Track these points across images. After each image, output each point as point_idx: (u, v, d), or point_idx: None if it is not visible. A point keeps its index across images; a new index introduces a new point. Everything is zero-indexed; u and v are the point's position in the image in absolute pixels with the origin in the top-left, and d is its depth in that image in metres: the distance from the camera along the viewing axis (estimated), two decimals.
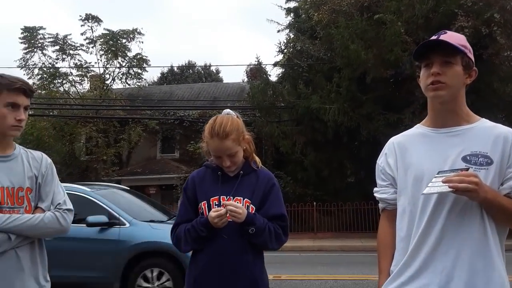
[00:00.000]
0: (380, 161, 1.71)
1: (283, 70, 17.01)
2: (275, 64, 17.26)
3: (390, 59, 11.84)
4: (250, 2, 68.66)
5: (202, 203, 1.93)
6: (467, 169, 1.41)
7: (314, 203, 14.53)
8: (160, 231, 5.61)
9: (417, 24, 12.37)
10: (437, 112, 1.57)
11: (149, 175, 18.36)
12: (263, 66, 16.27)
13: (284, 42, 16.65)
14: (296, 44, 15.04)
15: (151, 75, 57.11)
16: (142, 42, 20.66)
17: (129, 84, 21.71)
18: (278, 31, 17.57)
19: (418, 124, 1.68)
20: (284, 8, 17.69)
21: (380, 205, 1.72)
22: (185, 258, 5.30)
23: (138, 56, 21.01)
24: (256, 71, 20.77)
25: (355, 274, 7.52)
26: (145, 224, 5.83)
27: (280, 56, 16.88)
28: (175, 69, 39.52)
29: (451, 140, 1.52)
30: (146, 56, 21.21)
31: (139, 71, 21.46)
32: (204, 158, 2.09)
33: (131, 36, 20.63)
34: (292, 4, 17.72)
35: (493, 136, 1.49)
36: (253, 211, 1.89)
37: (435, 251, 1.44)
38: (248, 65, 20.04)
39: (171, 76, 38.70)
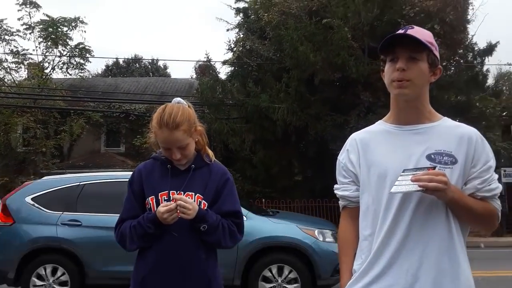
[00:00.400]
0: (342, 157, 1.65)
1: (232, 68, 17.03)
2: (224, 62, 17.22)
3: (337, 62, 12.19)
4: None
5: (149, 198, 1.81)
6: (434, 168, 1.38)
7: (263, 200, 14.74)
8: (281, 225, 5.39)
9: (363, 31, 12.84)
10: (401, 109, 1.54)
11: (92, 169, 17.68)
12: (213, 63, 16.21)
13: (233, 40, 16.72)
14: (245, 43, 15.12)
15: (95, 67, 54.91)
16: (85, 32, 19.78)
17: (70, 74, 20.76)
18: (228, 29, 17.54)
19: (380, 121, 1.64)
20: (234, 8, 17.74)
21: (341, 203, 1.66)
22: (312, 252, 5.17)
23: (81, 46, 20.09)
24: (205, 68, 20.60)
25: None
26: (264, 217, 5.57)
27: (230, 54, 16.90)
28: (121, 62, 38.32)
29: (415, 138, 1.50)
30: (89, 46, 20.36)
31: (82, 61, 20.54)
32: (154, 152, 1.98)
33: (73, 24, 19.65)
34: (241, 5, 17.82)
35: (457, 136, 1.48)
36: (205, 207, 1.80)
37: (400, 250, 1.42)
38: (197, 61, 19.83)
39: (116, 69, 37.43)
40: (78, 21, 19.61)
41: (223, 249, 1.88)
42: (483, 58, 14.76)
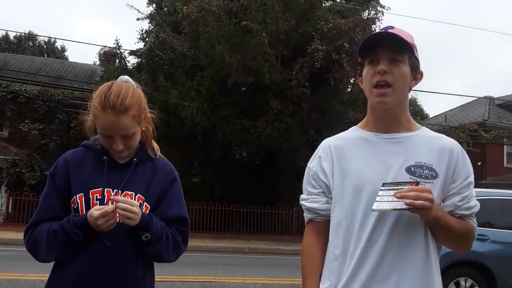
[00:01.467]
0: (312, 164, 1.48)
1: (141, 59, 16.21)
2: (132, 52, 16.31)
3: (252, 66, 12.22)
4: None
5: (77, 196, 1.46)
6: (417, 183, 1.27)
7: None
8: None
9: (279, 38, 13.06)
10: (378, 116, 1.42)
11: None
12: (122, 51, 15.23)
13: (146, 30, 15.92)
14: (159, 34, 14.47)
15: None
16: None
17: None
18: (138, 19, 16.65)
19: (354, 127, 1.49)
20: None
21: (307, 215, 1.49)
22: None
23: None
24: (111, 55, 19.38)
25: (201, 276, 7.44)
26: None
27: (140, 44, 16.06)
28: (11, 37, 34.57)
29: (394, 148, 1.37)
30: None
31: None
32: (84, 139, 1.62)
33: None
34: None
35: (438, 148, 1.37)
36: (147, 211, 1.48)
37: (375, 273, 1.29)
38: (103, 47, 18.53)
39: (5, 45, 33.71)
40: None
41: (162, 262, 1.58)
42: None
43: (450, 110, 25.04)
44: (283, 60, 13.37)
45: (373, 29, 13.46)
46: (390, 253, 1.30)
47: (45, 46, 35.94)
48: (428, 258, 1.32)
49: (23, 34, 34.23)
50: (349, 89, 15.29)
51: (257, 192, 14.90)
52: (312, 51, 12.53)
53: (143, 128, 1.56)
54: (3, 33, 33.36)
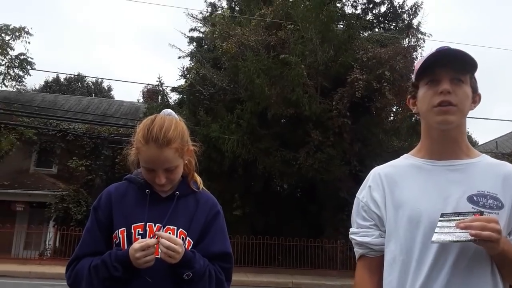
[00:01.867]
0: (362, 195, 1.38)
1: (182, 95, 16.67)
2: (174, 89, 16.83)
3: (291, 98, 12.22)
4: (152, 22, 67.57)
5: (119, 230, 1.43)
6: (481, 213, 1.15)
7: None
8: None
9: (318, 70, 13.06)
10: (435, 140, 1.30)
11: (17, 189, 16.19)
12: (165, 88, 15.73)
13: (187, 67, 16.44)
14: (200, 70, 14.87)
15: (33, 82, 52.03)
16: (29, 43, 18.67)
17: (6, 86, 19.38)
18: (179, 57, 17.35)
19: (406, 154, 1.40)
20: (188, 36, 17.65)
21: (358, 250, 1.37)
22: None
23: (22, 57, 18.90)
24: (154, 93, 20.04)
25: None
26: None
27: (182, 81, 16.60)
28: (62, 79, 36.55)
29: (452, 176, 1.26)
30: (32, 58, 19.23)
31: (21, 73, 19.27)
32: (128, 172, 1.61)
33: (17, 34, 18.54)
34: (195, 34, 17.80)
35: (501, 175, 1.25)
36: (190, 247, 1.43)
37: None
38: (146, 85, 19.22)
39: (56, 86, 35.64)
40: (22, 31, 18.49)
41: None
42: None
43: (501, 136, 23.93)
44: (323, 90, 13.31)
45: (414, 56, 13.23)
46: None
47: (93, 87, 37.72)
48: None
49: (72, 76, 36.20)
50: (391, 118, 14.99)
51: (299, 225, 14.57)
52: (352, 80, 12.41)
53: (186, 161, 1.52)
54: (54, 75, 35.34)
